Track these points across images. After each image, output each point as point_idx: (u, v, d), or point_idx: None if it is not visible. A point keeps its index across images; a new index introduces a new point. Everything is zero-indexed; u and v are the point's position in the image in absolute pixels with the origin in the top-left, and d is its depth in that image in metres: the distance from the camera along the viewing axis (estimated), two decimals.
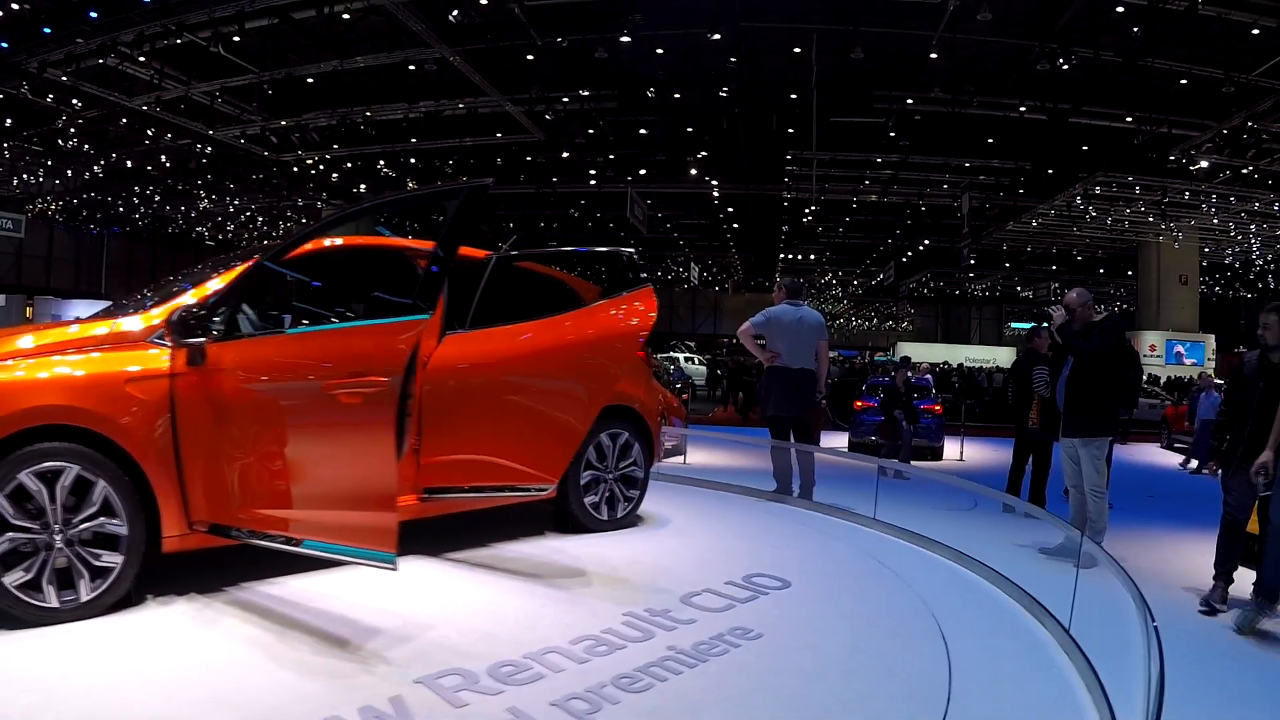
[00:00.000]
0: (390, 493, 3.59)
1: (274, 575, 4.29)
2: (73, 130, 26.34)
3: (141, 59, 20.10)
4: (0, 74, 20.97)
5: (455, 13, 17.97)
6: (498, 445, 4.86)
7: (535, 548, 5.31)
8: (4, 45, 19.71)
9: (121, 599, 3.71)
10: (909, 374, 14.94)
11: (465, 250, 5.57)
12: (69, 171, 31.65)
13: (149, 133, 26.37)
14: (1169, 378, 30.90)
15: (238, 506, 3.86)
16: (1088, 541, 5.10)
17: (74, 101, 23.18)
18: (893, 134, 24.63)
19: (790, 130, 25.18)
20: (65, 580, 3.54)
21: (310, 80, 22.81)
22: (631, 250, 5.31)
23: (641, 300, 4.99)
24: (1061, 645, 4.14)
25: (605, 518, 5.84)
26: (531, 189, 32.21)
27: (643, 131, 26.52)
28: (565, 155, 28.60)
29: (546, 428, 4.83)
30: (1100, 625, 4.08)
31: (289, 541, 3.73)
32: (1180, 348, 34.42)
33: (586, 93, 22.93)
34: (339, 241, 5.00)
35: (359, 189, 32.13)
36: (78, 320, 4.44)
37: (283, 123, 25.39)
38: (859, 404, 16.73)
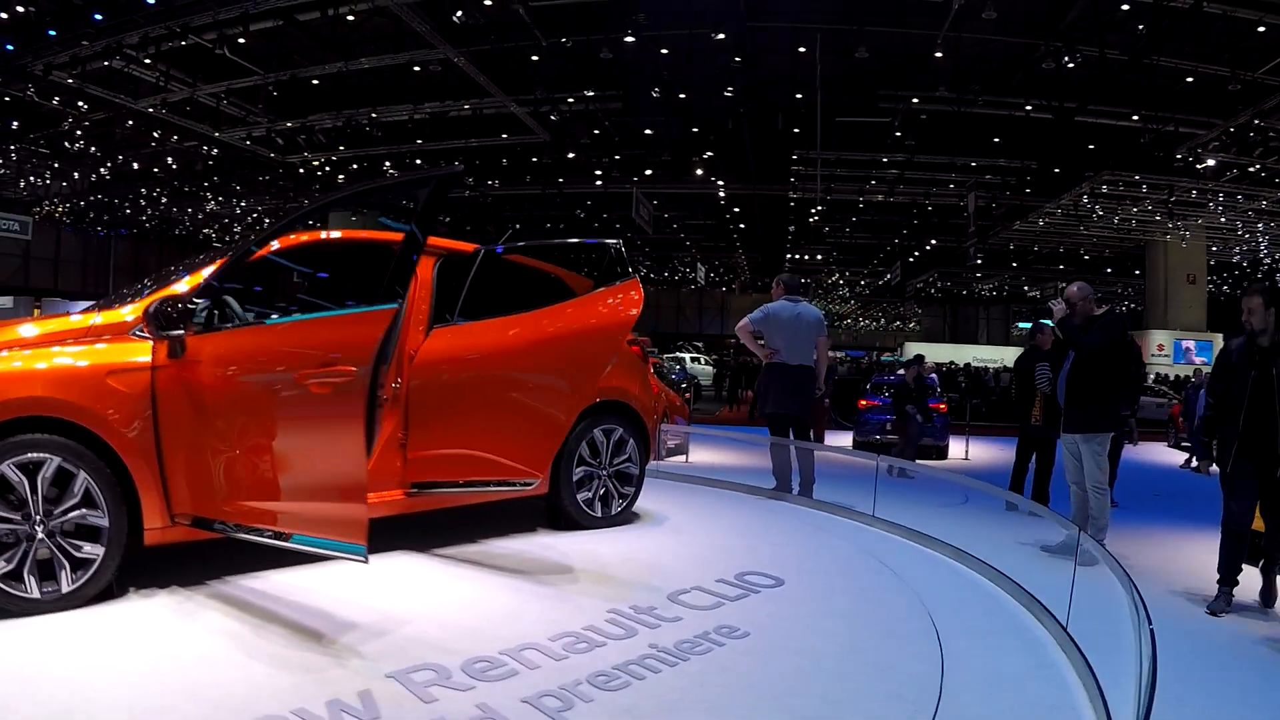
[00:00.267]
0: (360, 484, 3.56)
1: (258, 569, 4.26)
2: (79, 132, 26.43)
3: (147, 61, 20.17)
4: (6, 76, 21.08)
5: (459, 14, 17.97)
6: (483, 439, 4.81)
7: (526, 544, 5.26)
8: (10, 48, 19.80)
9: (104, 591, 3.72)
10: (919, 371, 14.81)
11: (454, 244, 5.54)
12: (76, 174, 31.79)
13: (155, 135, 26.48)
14: (1177, 376, 30.72)
15: (219, 499, 3.85)
16: (1087, 539, 5.01)
17: (80, 104, 23.30)
18: (898, 133, 24.58)
19: (796, 130, 25.12)
20: (47, 571, 3.57)
21: (315, 82, 22.85)
22: (618, 242, 5.25)
23: (626, 292, 4.94)
24: (1060, 644, 4.06)
25: (599, 515, 5.79)
26: (537, 190, 32.24)
27: (648, 132, 26.50)
28: (571, 156, 28.61)
29: (532, 421, 4.78)
30: (1099, 623, 4.00)
31: (278, 536, 3.71)
32: (1189, 344, 34.21)
33: (591, 93, 22.89)
34: (337, 234, 5.06)
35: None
36: (62, 314, 4.43)
37: (288, 124, 25.44)
38: (863, 402, 16.64)
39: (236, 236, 44.85)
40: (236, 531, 3.79)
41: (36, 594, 3.52)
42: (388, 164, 29.16)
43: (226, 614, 3.73)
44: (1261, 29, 17.05)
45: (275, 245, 4.50)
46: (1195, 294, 34.31)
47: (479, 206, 35.85)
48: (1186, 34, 17.51)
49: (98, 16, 18.65)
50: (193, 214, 39.54)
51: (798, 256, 44.12)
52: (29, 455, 3.52)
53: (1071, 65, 18.35)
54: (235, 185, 32.77)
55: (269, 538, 3.71)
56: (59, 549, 3.58)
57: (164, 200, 36.61)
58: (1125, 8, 16.91)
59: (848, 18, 18.54)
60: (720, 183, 31.72)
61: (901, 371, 17.30)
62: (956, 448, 16.01)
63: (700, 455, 12.74)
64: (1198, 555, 7.20)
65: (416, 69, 21.83)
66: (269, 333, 4.00)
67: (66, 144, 27.56)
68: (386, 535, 4.92)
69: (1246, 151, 22.59)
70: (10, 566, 3.47)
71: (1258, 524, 5.92)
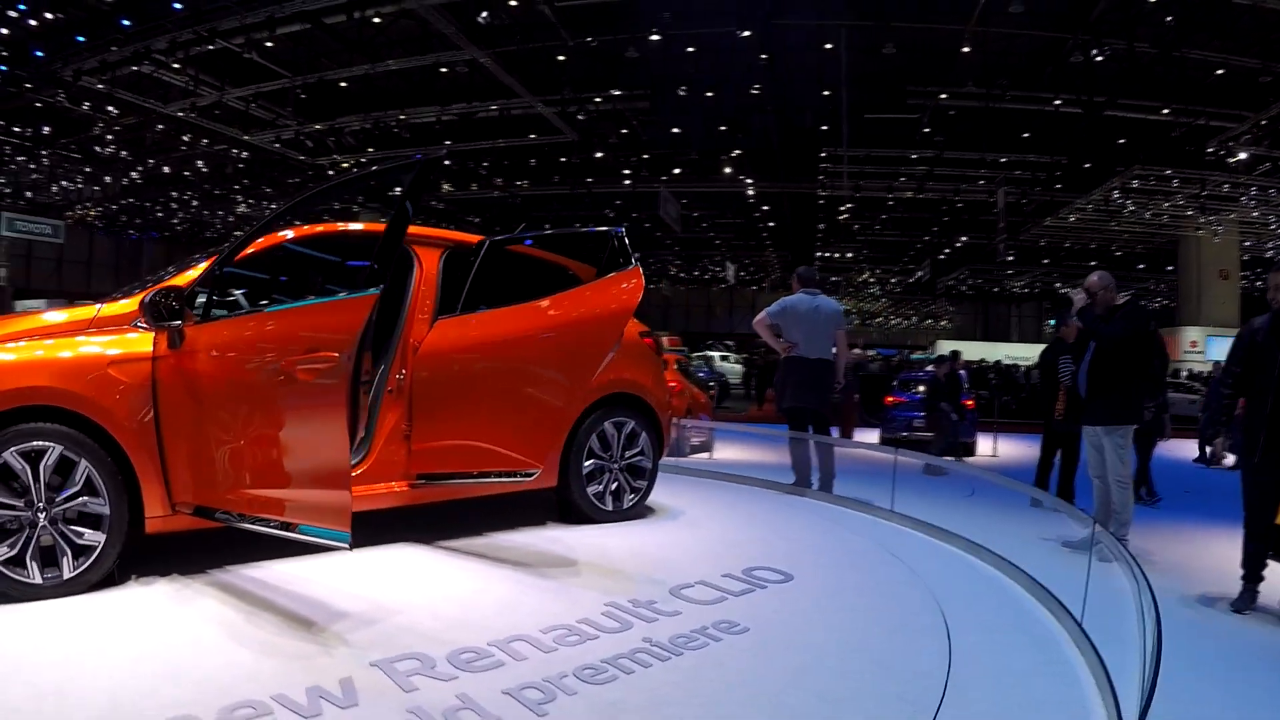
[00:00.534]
0: (343, 470, 3.59)
1: (259, 559, 4.29)
2: (110, 137, 26.76)
3: (175, 66, 20.33)
4: (37, 82, 21.36)
5: (485, 15, 18.00)
6: (484, 429, 4.81)
7: (532, 537, 5.23)
8: (40, 54, 20.01)
9: (105, 577, 3.78)
10: (951, 367, 14.62)
11: (461, 236, 5.54)
12: (107, 177, 32.12)
13: (185, 138, 26.74)
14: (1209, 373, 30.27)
15: (216, 488, 3.88)
16: (1104, 533, 4.90)
17: (110, 108, 23.57)
18: (927, 129, 24.35)
19: (824, 127, 24.98)
20: (49, 557, 3.64)
21: (343, 84, 22.97)
22: (622, 230, 5.21)
23: (627, 280, 4.90)
24: (1074, 640, 3.96)
25: (610, 508, 5.76)
26: (566, 189, 32.21)
27: (676, 130, 26.41)
28: (599, 155, 28.57)
29: (530, 410, 4.76)
30: (1115, 619, 3.89)
31: (285, 527, 3.72)
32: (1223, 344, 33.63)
33: (618, 93, 22.86)
34: (358, 227, 5.15)
35: (394, 192, 32.30)
36: (67, 306, 4.49)
37: (317, 127, 25.58)
38: (890, 399, 16.50)
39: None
40: (240, 522, 3.81)
41: (38, 579, 3.60)
42: None
43: (223, 601, 3.75)
44: None
45: (266, 239, 4.54)
46: (1228, 289, 33.63)
47: (509, 207, 35.92)
48: (1215, 26, 17.23)
49: (125, 22, 18.81)
50: (224, 216, 39.85)
51: (828, 254, 43.90)
52: (32, 443, 3.60)
53: (1100, 59, 18.12)
54: (265, 188, 32.99)
55: (289, 531, 3.73)
56: (61, 536, 3.66)
57: (195, 203, 36.96)
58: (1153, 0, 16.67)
59: (873, 14, 18.37)
60: (749, 181, 31.59)
61: (931, 368, 17.15)
62: (985, 444, 15.85)
63: (725, 452, 12.71)
64: (1225, 552, 7.03)
65: (443, 70, 21.89)
66: (259, 321, 4.01)
67: (97, 148, 27.93)
68: (392, 527, 4.94)
69: (1279, 144, 22.19)
70: (13, 552, 3.55)
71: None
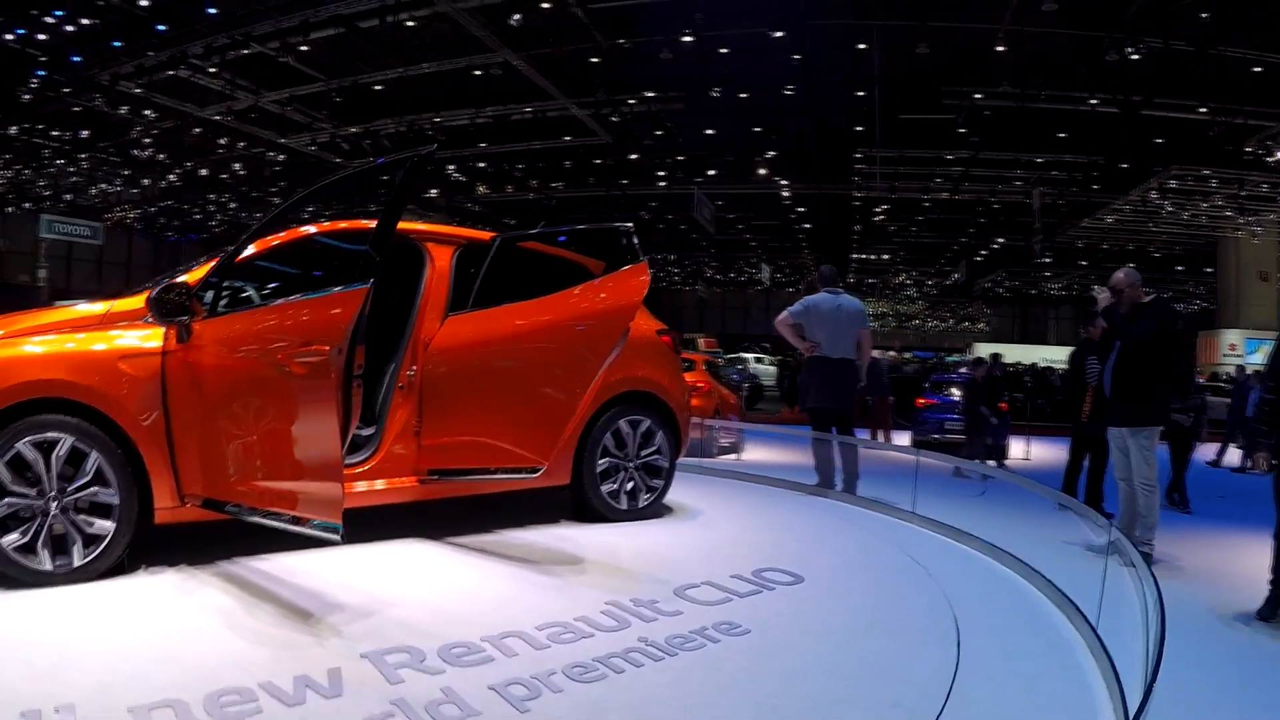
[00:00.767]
0: (334, 461, 3.63)
1: (266, 551, 4.34)
2: (147, 140, 27.08)
3: (212, 70, 20.52)
4: (76, 87, 21.66)
5: (518, 17, 18.04)
6: (491, 425, 4.81)
7: (542, 535, 5.23)
8: (78, 59, 20.28)
9: (115, 566, 3.86)
10: (989, 369, 14.43)
11: (474, 233, 5.55)
12: (145, 180, 32.51)
13: (222, 141, 27.01)
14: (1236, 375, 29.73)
15: (226, 480, 3.93)
16: (1120, 536, 4.82)
17: (147, 112, 23.86)
18: (962, 130, 24.10)
19: (859, 128, 24.81)
20: (60, 546, 3.73)
21: (378, 87, 23.08)
22: (629, 226, 5.18)
23: (633, 276, 4.88)
24: (1088, 645, 3.88)
25: (625, 507, 5.74)
26: (601, 191, 32.22)
27: (710, 132, 26.35)
28: (633, 157, 28.55)
29: (533, 405, 4.75)
30: (1132, 624, 3.79)
31: (295, 521, 3.75)
32: (1265, 347, 33.03)
33: (652, 94, 22.81)
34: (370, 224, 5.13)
35: (428, 194, 32.52)
36: (81, 301, 4.56)
37: (353, 130, 25.74)
38: (922, 401, 16.36)
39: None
40: (251, 515, 3.86)
41: (49, 567, 3.69)
42: (451, 167, 29.40)
43: (225, 591, 3.81)
44: None
45: (270, 237, 4.69)
46: (1267, 292, 32.92)
47: (544, 209, 36.02)
48: (1252, 23, 16.91)
49: (161, 27, 19.02)
50: (261, 219, 40.21)
51: (864, 256, 43.59)
52: (44, 435, 3.70)
53: (1136, 57, 17.86)
54: (302, 191, 33.21)
55: (298, 525, 3.75)
56: (71, 524, 3.75)
57: (233, 205, 37.37)
58: None
59: (906, 13, 18.25)
60: (784, 182, 31.45)
61: (964, 370, 16.97)
62: (1017, 448, 15.67)
63: (754, 454, 12.66)
64: (1257, 560, 6.89)
65: (477, 73, 21.94)
66: (259, 316, 4.08)
67: (135, 152, 28.28)
68: (401, 522, 4.96)
69: None
70: (25, 539, 3.65)
71: None
